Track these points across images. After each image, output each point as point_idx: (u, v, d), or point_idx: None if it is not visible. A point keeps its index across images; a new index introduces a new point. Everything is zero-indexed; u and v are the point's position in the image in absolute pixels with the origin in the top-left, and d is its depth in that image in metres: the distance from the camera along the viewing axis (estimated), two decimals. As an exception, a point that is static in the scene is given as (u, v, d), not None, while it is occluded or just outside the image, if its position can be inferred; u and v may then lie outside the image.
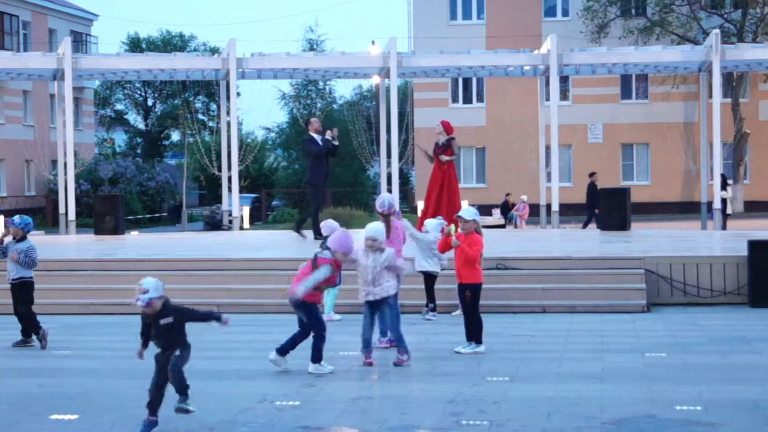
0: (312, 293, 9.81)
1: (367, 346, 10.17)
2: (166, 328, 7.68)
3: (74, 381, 9.67)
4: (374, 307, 10.26)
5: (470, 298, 10.77)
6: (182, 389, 7.66)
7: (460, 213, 11.11)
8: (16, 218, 12.09)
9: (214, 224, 34.17)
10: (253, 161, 45.00)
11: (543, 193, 26.58)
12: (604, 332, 12.44)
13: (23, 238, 11.94)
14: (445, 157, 18.48)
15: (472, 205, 11.27)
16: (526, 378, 9.35)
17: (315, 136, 19.58)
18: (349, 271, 13.97)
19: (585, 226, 29.09)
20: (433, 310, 13.78)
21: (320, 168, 19.57)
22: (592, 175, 30.84)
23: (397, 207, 12.81)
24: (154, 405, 7.62)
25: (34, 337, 11.84)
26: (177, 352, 7.66)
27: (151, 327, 7.79)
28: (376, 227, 10.48)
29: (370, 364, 10.07)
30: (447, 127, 18.87)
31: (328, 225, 13.58)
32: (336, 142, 19.85)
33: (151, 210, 55.63)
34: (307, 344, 10.05)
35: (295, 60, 27.45)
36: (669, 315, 14.09)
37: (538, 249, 18.47)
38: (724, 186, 30.15)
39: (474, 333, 10.75)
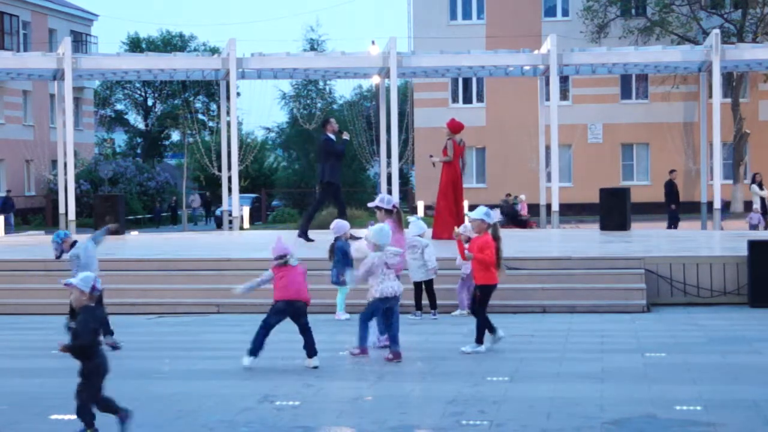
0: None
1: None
2: (71, 330, 7.19)
3: (74, 381, 9.65)
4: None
5: (479, 298, 10.83)
6: (82, 416, 7.01)
7: (471, 212, 11.22)
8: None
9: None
10: (253, 161, 44.99)
11: (543, 193, 26.55)
12: (604, 332, 12.44)
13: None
14: (435, 158, 18.94)
15: (489, 206, 11.27)
16: (526, 378, 9.34)
17: (332, 136, 19.37)
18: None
19: (670, 225, 28.14)
20: (418, 308, 13.84)
21: (338, 168, 19.42)
22: (671, 172, 30.27)
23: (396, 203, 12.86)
24: (106, 407, 7.18)
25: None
26: (83, 368, 7.13)
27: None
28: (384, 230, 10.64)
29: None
30: (449, 127, 19.17)
31: (339, 225, 13.60)
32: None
33: (151, 210, 55.63)
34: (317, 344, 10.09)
35: (295, 60, 27.41)
36: (669, 315, 14.08)
37: (538, 249, 18.46)
38: (760, 186, 30.19)
39: (476, 332, 10.77)
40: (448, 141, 19.22)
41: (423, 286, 13.76)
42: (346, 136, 19.77)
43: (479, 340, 10.75)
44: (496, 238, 10.69)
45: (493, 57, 27.67)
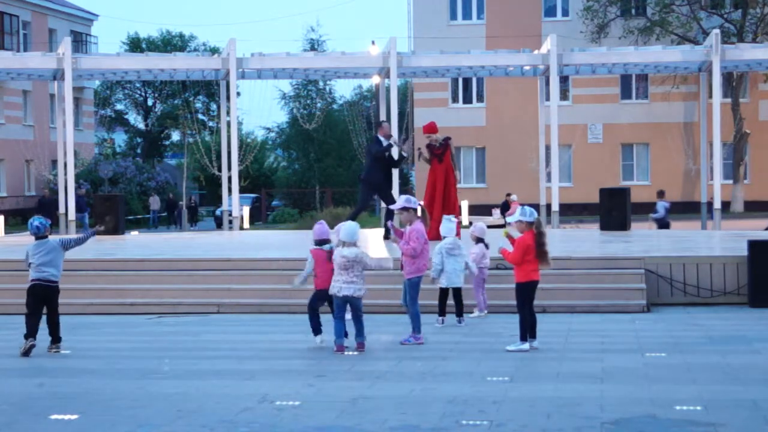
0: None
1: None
2: None
3: (74, 381, 9.67)
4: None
5: (516, 296, 10.93)
6: None
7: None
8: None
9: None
10: (253, 161, 44.97)
11: (543, 193, 26.56)
12: (604, 332, 12.44)
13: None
14: (457, 175, 19.21)
15: (530, 206, 11.22)
16: (526, 378, 9.34)
17: (381, 138, 19.41)
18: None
19: None
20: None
21: (375, 170, 19.29)
22: None
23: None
24: None
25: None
26: None
27: None
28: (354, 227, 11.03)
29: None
30: (433, 128, 19.22)
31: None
32: (404, 153, 20.24)
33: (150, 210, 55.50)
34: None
35: (295, 60, 27.41)
36: (669, 315, 14.08)
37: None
38: None
39: (520, 329, 10.85)
40: (450, 140, 19.23)
41: (451, 292, 13.12)
42: (392, 141, 19.66)
43: (522, 338, 10.85)
44: (538, 234, 10.69)
45: (493, 57, 27.67)
